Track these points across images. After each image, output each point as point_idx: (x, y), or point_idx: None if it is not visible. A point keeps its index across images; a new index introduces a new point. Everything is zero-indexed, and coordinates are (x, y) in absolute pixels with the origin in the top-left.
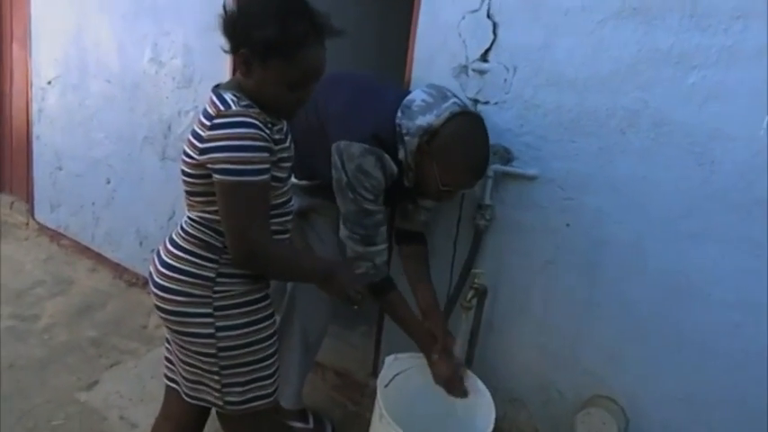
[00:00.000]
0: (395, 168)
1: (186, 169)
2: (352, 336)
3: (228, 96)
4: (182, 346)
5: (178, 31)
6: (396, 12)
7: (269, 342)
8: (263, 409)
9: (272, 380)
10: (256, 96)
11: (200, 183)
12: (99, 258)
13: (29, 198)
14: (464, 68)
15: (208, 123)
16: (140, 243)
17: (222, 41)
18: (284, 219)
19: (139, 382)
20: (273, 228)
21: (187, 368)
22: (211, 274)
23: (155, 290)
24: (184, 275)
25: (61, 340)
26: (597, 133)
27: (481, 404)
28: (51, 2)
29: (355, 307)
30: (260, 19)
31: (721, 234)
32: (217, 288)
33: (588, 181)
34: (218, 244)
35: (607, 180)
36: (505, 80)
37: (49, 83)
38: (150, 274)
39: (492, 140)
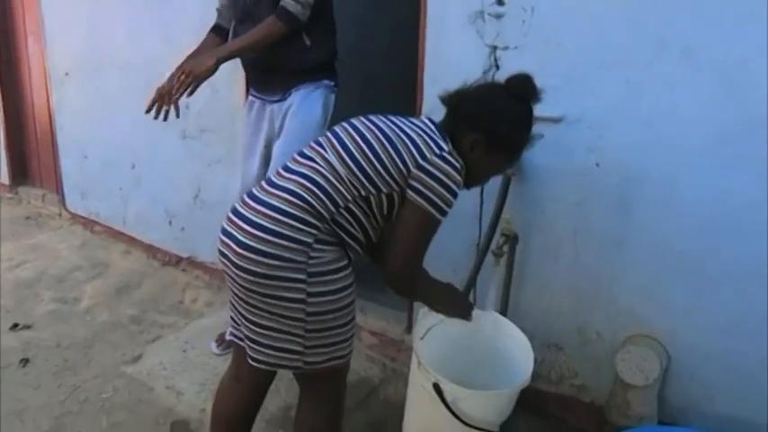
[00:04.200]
0: None
1: (376, 163)
2: (384, 296)
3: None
4: (264, 309)
5: (187, 10)
6: None
7: (351, 308)
8: (339, 368)
9: (349, 342)
10: (464, 163)
11: (377, 183)
12: (132, 241)
13: (59, 189)
14: (480, 14)
15: (437, 151)
16: (170, 222)
17: None
18: None
19: (181, 353)
20: None
21: (262, 331)
22: (309, 240)
23: (243, 251)
24: (282, 239)
25: (103, 319)
26: (623, 67)
27: (519, 350)
28: None
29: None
30: (513, 122)
31: (757, 161)
32: (312, 254)
33: (616, 117)
34: (326, 214)
35: (636, 115)
36: (524, 21)
37: (67, 74)
38: (229, 234)
39: None
